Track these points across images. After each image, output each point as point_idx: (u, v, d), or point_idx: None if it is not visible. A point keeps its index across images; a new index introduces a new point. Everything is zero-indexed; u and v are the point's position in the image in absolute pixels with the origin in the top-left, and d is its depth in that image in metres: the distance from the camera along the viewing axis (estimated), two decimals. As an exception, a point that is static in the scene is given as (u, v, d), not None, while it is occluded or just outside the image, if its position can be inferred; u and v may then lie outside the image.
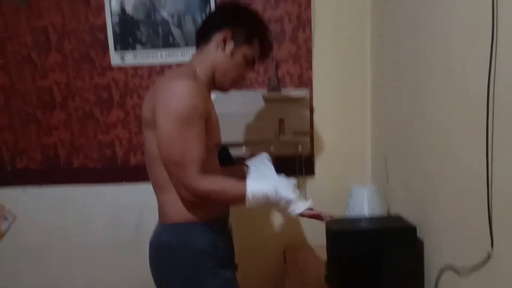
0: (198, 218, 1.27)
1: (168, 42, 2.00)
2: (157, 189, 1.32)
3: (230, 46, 1.32)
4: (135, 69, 2.04)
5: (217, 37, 1.32)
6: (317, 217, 1.25)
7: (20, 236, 2.16)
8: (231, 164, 1.59)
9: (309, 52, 1.99)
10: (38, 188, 2.13)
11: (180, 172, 1.18)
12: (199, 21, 1.94)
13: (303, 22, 1.97)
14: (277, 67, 1.99)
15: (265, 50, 1.41)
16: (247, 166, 1.49)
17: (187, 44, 1.99)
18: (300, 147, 1.98)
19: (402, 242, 1.35)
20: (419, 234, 1.35)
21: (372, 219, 1.51)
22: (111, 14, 1.99)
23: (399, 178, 1.64)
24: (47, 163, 2.12)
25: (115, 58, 2.02)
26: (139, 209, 2.10)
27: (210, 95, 1.36)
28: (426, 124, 1.33)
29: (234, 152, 1.74)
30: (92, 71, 2.05)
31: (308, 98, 1.98)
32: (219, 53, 1.32)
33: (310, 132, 2.02)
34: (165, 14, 1.98)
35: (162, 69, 2.03)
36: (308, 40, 1.98)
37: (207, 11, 1.95)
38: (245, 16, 1.36)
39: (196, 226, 1.27)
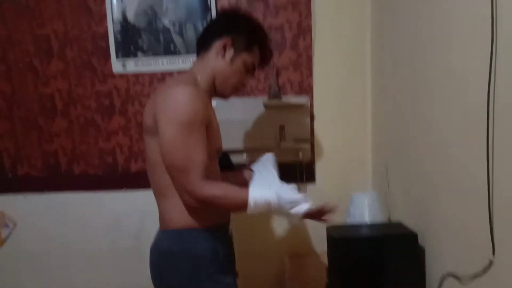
0: (199, 224, 1.27)
1: (169, 50, 2.01)
2: (158, 196, 1.32)
3: (230, 53, 1.33)
4: (137, 76, 2.05)
5: (217, 45, 1.33)
6: (319, 215, 1.23)
7: (21, 243, 2.15)
8: (231, 170, 1.60)
9: (309, 59, 2.00)
10: (39, 195, 2.13)
11: (183, 178, 1.18)
12: (200, 29, 1.95)
13: (304, 30, 1.99)
14: (277, 75, 2.00)
15: (265, 57, 1.42)
16: (251, 170, 1.49)
17: (188, 52, 2.00)
18: (300, 154, 1.99)
19: (403, 249, 1.34)
20: (420, 241, 1.35)
21: (373, 226, 1.51)
22: (113, 22, 2.01)
23: (400, 184, 1.64)
24: (48, 170, 2.13)
25: (116, 65, 2.04)
26: (139, 215, 2.09)
27: (211, 101, 1.37)
28: (426, 130, 1.34)
29: (235, 159, 1.75)
30: (93, 78, 2.06)
31: (309, 105, 1.99)
32: (219, 60, 1.33)
33: (311, 139, 2.02)
34: (166, 22, 2.00)
35: (163, 77, 2.04)
36: (309, 48, 1.99)
37: (208, 19, 1.97)
38: (244, 24, 1.37)
39: (196, 232, 1.27)
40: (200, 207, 1.22)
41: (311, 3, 1.97)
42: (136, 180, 2.08)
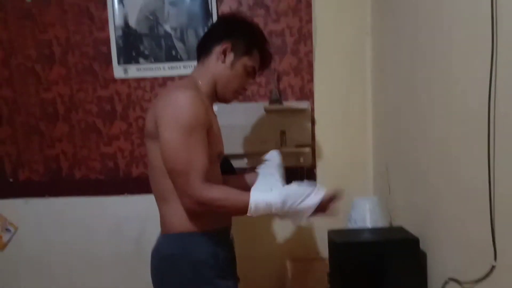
0: (199, 228, 1.27)
1: (171, 56, 2.02)
2: (159, 200, 1.32)
3: (230, 57, 1.34)
4: (138, 81, 2.06)
5: (217, 50, 1.34)
6: (329, 204, 1.23)
7: (22, 247, 2.15)
8: (232, 174, 1.60)
9: (310, 65, 2.01)
10: (40, 199, 2.14)
11: (183, 181, 1.18)
12: (202, 35, 1.96)
13: (304, 36, 2.00)
14: (278, 80, 2.01)
15: (264, 60, 1.43)
16: (255, 173, 1.48)
17: (189, 58, 2.01)
18: (301, 159, 1.99)
19: (405, 254, 1.34)
20: (422, 246, 1.35)
21: (374, 231, 1.50)
22: (115, 27, 2.02)
23: (401, 189, 1.64)
24: (50, 174, 2.13)
25: (118, 71, 2.05)
26: (140, 220, 2.09)
27: (212, 106, 1.37)
28: (427, 135, 1.34)
29: (236, 163, 1.75)
30: (95, 83, 2.07)
31: (310, 110, 2.00)
32: (219, 65, 1.34)
33: (312, 144, 2.02)
34: (168, 28, 2.01)
35: (164, 82, 2.05)
36: (309, 53, 2.00)
37: (209, 24, 1.98)
38: (243, 28, 1.38)
39: (197, 237, 1.27)
40: (201, 211, 1.22)
41: (312, 9, 1.98)
42: (137, 184, 2.08)
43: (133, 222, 2.11)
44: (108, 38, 2.03)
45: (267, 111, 1.96)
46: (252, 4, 2.00)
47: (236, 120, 1.94)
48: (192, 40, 2.00)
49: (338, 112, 2.03)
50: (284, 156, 1.94)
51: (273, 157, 1.50)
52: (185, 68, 2.01)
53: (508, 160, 0.90)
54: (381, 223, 1.60)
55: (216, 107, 1.45)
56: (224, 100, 1.41)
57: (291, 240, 2.11)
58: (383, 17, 1.80)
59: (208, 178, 1.20)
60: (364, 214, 1.60)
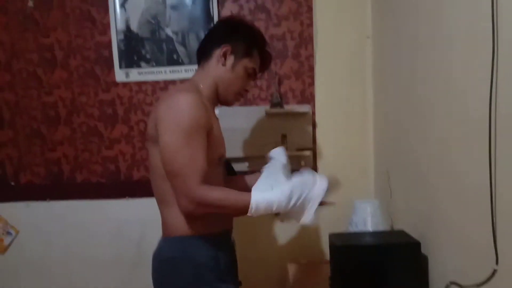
0: (200, 231, 1.27)
1: (172, 59, 2.03)
2: (160, 203, 1.32)
3: (230, 60, 1.35)
4: (140, 85, 2.06)
5: (217, 53, 1.35)
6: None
7: (23, 250, 2.15)
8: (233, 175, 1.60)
9: (311, 68, 2.02)
10: (41, 203, 2.14)
11: (181, 182, 1.17)
12: (203, 38, 1.98)
13: (305, 40, 2.01)
14: (279, 83, 2.02)
15: (264, 61, 1.44)
16: (260, 173, 1.48)
17: (191, 61, 2.02)
18: (303, 162, 1.99)
19: (406, 258, 1.34)
20: (423, 249, 1.34)
21: (375, 234, 1.50)
22: (117, 31, 2.03)
23: (402, 193, 1.64)
24: (51, 178, 2.13)
25: (119, 75, 2.05)
26: (142, 223, 2.09)
27: (213, 109, 1.38)
28: (428, 138, 1.34)
29: (237, 167, 1.75)
30: (96, 87, 2.08)
31: (311, 114, 2.00)
32: (220, 68, 1.35)
33: (313, 147, 2.03)
34: (169, 32, 2.02)
35: (166, 85, 2.06)
36: (310, 57, 2.01)
37: (211, 28, 1.99)
38: (242, 30, 1.39)
39: (198, 240, 1.27)
40: (198, 214, 1.21)
41: (313, 13, 1.99)
42: (138, 188, 2.08)
43: (134, 225, 2.11)
44: (110, 42, 2.04)
45: (268, 114, 1.96)
46: (253, 8, 2.01)
47: (237, 123, 1.94)
48: (194, 44, 2.01)
49: (339, 115, 2.03)
50: (285, 159, 1.96)
51: (277, 155, 1.48)
52: (186, 72, 2.02)
53: (509, 163, 0.89)
54: (382, 226, 1.60)
55: (217, 110, 1.46)
56: (226, 102, 1.42)
57: (292, 243, 2.11)
58: (383, 19, 1.81)
59: (209, 181, 1.20)
60: (365, 218, 1.60)
